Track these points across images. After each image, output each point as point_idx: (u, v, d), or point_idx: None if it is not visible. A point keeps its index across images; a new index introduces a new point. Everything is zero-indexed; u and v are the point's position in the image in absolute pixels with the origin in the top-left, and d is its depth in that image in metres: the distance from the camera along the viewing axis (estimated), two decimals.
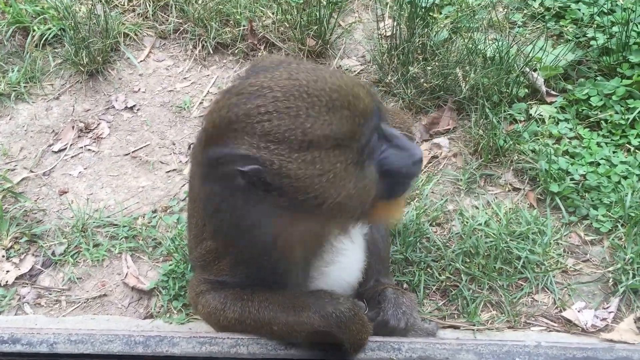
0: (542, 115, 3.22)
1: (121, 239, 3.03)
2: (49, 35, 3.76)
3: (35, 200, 3.21)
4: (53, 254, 3.00)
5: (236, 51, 3.72)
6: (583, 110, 3.22)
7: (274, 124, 1.60)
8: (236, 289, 2.09)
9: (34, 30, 3.77)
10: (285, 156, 1.61)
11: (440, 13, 3.66)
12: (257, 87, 1.65)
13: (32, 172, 3.33)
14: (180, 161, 3.33)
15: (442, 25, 3.54)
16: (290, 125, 1.60)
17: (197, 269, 2.22)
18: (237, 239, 1.89)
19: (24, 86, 3.64)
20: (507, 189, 3.05)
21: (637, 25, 3.29)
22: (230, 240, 1.95)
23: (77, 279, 2.93)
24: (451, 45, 3.46)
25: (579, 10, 3.51)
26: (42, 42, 3.77)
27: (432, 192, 3.08)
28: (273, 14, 3.72)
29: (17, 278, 2.94)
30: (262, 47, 3.69)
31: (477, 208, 3.00)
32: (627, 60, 3.24)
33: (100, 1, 3.86)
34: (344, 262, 2.21)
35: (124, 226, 3.06)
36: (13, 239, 3.05)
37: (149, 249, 2.99)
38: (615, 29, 3.33)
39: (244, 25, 3.71)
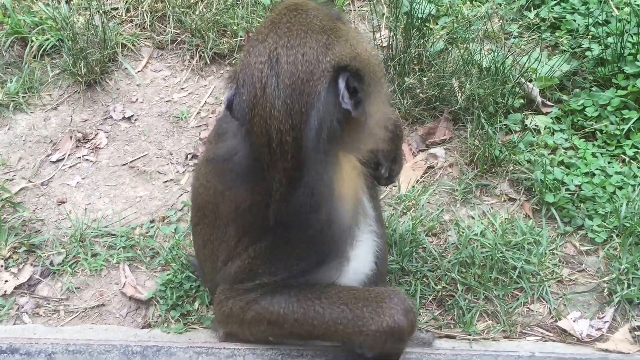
0: (537, 126, 3.25)
1: (119, 248, 3.04)
2: (47, 45, 3.78)
3: (34, 210, 3.22)
4: (51, 263, 3.02)
5: (233, 61, 3.75)
6: (578, 120, 3.24)
7: (306, 50, 1.71)
8: (300, 289, 2.03)
9: (32, 41, 3.78)
10: (341, 48, 1.74)
11: (437, 24, 3.69)
12: (265, 58, 1.72)
13: (31, 182, 3.34)
14: (178, 171, 3.34)
15: (438, 36, 3.56)
16: (313, 40, 1.72)
17: (232, 284, 2.12)
18: (311, 207, 1.85)
19: (23, 96, 3.66)
20: (502, 199, 3.07)
21: (632, 36, 3.31)
22: (300, 216, 1.87)
23: (76, 288, 2.94)
24: (447, 55, 3.48)
25: (574, 21, 3.54)
26: (40, 52, 3.78)
27: (429, 202, 3.10)
28: None
29: (15, 288, 2.95)
30: None
31: (473, 218, 3.01)
32: (622, 71, 3.26)
33: (98, 12, 3.88)
34: (366, 241, 2.22)
35: (122, 236, 3.07)
36: (12, 248, 3.06)
37: (147, 258, 3.01)
38: (610, 39, 3.35)
39: (241, 36, 3.73)
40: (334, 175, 1.86)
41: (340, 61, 1.72)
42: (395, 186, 3.15)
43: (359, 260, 2.20)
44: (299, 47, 1.71)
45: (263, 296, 2.04)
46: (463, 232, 2.93)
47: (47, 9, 3.89)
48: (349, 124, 1.77)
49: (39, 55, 3.79)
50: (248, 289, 2.06)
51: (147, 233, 3.09)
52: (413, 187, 3.16)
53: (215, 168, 2.06)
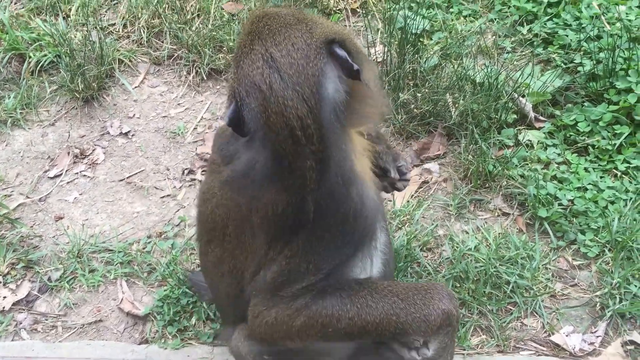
0: (530, 141, 3.28)
1: (116, 264, 3.07)
2: (45, 61, 3.81)
3: (32, 226, 3.25)
4: (49, 279, 3.04)
5: (229, 77, 3.77)
6: (571, 135, 3.27)
7: (294, 40, 1.79)
8: (350, 288, 2.03)
9: (30, 57, 3.82)
10: (321, 29, 1.83)
11: (431, 39, 3.72)
12: (260, 62, 1.77)
13: (28, 198, 3.37)
14: (175, 187, 3.37)
15: (432, 52, 3.60)
16: (295, 30, 1.81)
17: (271, 292, 2.08)
18: (340, 185, 1.88)
19: (20, 112, 3.69)
20: (496, 214, 3.10)
21: (623, 51, 3.34)
22: (335, 200, 1.90)
23: (73, 304, 2.97)
24: (441, 71, 3.51)
25: (567, 36, 3.57)
26: (38, 68, 3.81)
27: (423, 217, 3.13)
28: None
29: (14, 304, 2.97)
30: None
31: (467, 233, 3.04)
32: (613, 86, 3.29)
33: (95, 28, 3.91)
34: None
35: (119, 252, 3.10)
36: (10, 265, 3.09)
37: (144, 274, 3.03)
38: (602, 55, 3.39)
39: None
40: (352, 153, 1.91)
41: (327, 37, 1.81)
42: (390, 201, 3.18)
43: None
44: (286, 40, 1.78)
45: (313, 300, 2.02)
46: (457, 247, 2.96)
47: (45, 25, 3.93)
48: (354, 94, 1.84)
49: (37, 72, 3.82)
50: (294, 295, 2.03)
51: (144, 249, 3.12)
52: (408, 202, 3.19)
53: (236, 186, 2.03)
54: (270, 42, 1.79)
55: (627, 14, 3.59)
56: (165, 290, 2.92)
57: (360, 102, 1.89)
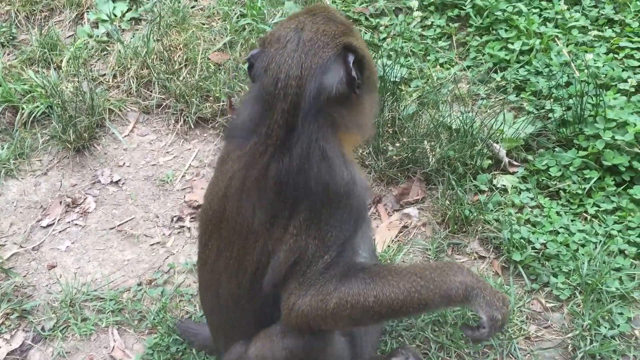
0: (504, 185, 3.41)
1: (108, 312, 3.17)
2: (37, 113, 3.93)
3: (25, 276, 3.35)
4: (43, 329, 3.13)
5: (216, 125, 3.92)
6: (543, 180, 3.41)
7: (327, 28, 2.07)
8: (370, 270, 2.15)
9: (22, 109, 3.94)
10: (354, 39, 2.11)
11: (409, 87, 3.87)
12: (294, 26, 2.06)
13: (22, 247, 3.47)
14: (164, 234, 3.48)
15: (410, 100, 3.74)
16: (335, 24, 2.10)
17: (294, 282, 2.16)
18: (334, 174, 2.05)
19: (13, 163, 3.81)
20: (473, 257, 3.23)
21: (591, 98, 3.49)
22: (319, 177, 2.04)
23: (66, 353, 3.06)
24: (419, 118, 3.65)
25: (538, 83, 3.73)
26: (30, 119, 3.94)
27: (403, 261, 3.25)
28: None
29: (8, 354, 3.06)
30: None
31: None
32: (582, 132, 3.43)
33: (86, 78, 4.05)
34: None
35: (111, 300, 3.20)
36: (4, 315, 3.18)
37: (135, 322, 3.13)
38: (571, 101, 3.54)
39: (223, 101, 3.90)
40: (339, 144, 2.09)
41: (351, 45, 2.06)
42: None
43: None
44: (322, 24, 2.07)
45: (341, 282, 2.13)
46: None
47: (37, 77, 4.06)
48: (346, 100, 2.07)
49: (29, 123, 3.94)
50: (320, 282, 2.13)
51: (134, 296, 3.22)
52: (389, 246, 3.31)
53: (231, 138, 2.23)
54: (311, 18, 2.08)
55: (595, 60, 3.75)
56: (155, 338, 3.02)
57: (350, 112, 2.10)
